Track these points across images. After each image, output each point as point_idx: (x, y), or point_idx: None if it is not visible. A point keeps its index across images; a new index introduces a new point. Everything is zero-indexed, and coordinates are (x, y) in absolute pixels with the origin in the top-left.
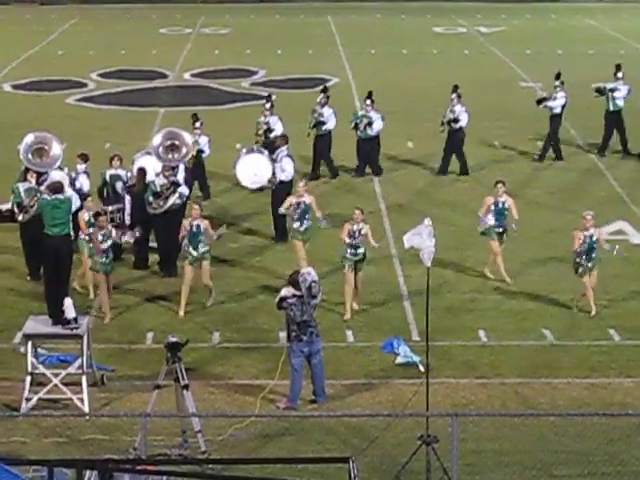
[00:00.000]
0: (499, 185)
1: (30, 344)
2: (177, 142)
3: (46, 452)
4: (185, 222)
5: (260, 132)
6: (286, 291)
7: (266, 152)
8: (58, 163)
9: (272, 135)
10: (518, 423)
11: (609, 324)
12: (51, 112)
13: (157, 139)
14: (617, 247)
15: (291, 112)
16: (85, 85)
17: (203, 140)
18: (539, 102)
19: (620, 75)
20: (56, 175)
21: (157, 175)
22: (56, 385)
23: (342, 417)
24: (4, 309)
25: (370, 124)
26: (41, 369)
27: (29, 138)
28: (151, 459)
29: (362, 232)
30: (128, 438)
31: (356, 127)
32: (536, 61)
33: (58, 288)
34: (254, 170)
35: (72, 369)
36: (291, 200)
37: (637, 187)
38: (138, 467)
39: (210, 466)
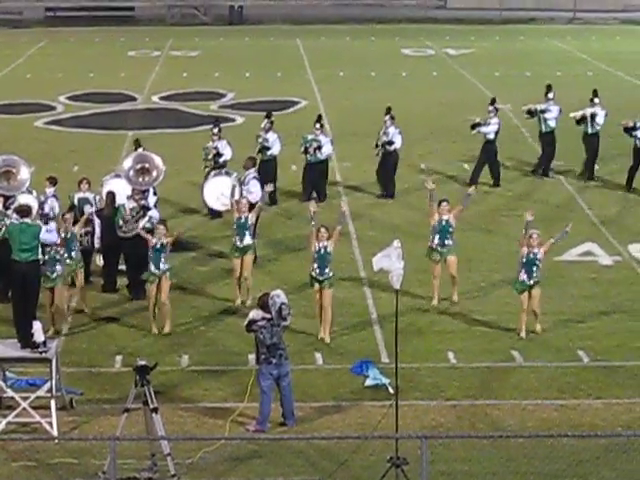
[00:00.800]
0: (443, 204)
1: None
2: (147, 165)
3: (14, 477)
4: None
5: (210, 157)
6: (255, 314)
7: (234, 175)
8: (25, 187)
9: (221, 160)
10: (487, 445)
11: (578, 345)
12: (20, 135)
13: (127, 162)
14: (567, 229)
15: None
16: (54, 108)
17: (222, 144)
18: (473, 127)
19: (551, 96)
20: (25, 199)
21: (128, 198)
22: (25, 409)
23: (311, 440)
24: None
25: (319, 148)
26: (9, 393)
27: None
28: None
29: (328, 250)
30: (97, 462)
31: (306, 151)
32: (505, 83)
33: (26, 312)
34: (221, 191)
35: (41, 392)
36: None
37: (608, 208)
38: None
39: None
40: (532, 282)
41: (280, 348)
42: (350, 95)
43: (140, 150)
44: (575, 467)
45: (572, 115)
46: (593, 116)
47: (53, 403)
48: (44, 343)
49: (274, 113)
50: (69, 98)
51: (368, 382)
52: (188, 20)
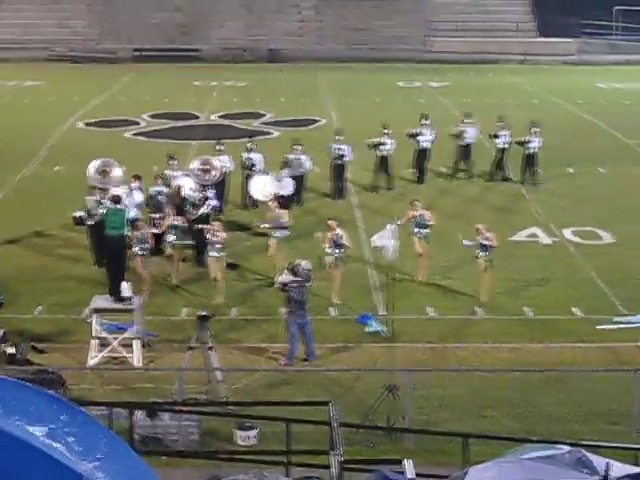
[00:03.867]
0: (416, 202)
1: (96, 316)
2: (209, 167)
3: (107, 396)
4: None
5: (246, 164)
6: (286, 277)
7: (272, 174)
8: (118, 181)
9: (257, 168)
10: (456, 376)
11: (525, 304)
12: (113, 143)
13: (194, 164)
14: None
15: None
16: (139, 123)
17: (224, 158)
18: (410, 136)
19: (425, 122)
20: (117, 190)
21: (193, 191)
22: (115, 346)
23: (326, 371)
24: (76, 290)
25: (300, 165)
26: (104, 334)
27: (96, 162)
28: (185, 402)
29: (341, 236)
30: (168, 386)
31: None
32: (474, 108)
33: (117, 274)
34: (263, 185)
35: (127, 334)
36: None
37: (547, 202)
38: (175, 408)
39: (229, 407)
40: (483, 260)
41: (305, 303)
42: (358, 115)
43: (207, 156)
44: (521, 393)
45: (410, 131)
46: (417, 134)
47: (135, 342)
48: (130, 298)
49: (301, 129)
50: (150, 116)
51: (369, 329)
52: (237, 59)
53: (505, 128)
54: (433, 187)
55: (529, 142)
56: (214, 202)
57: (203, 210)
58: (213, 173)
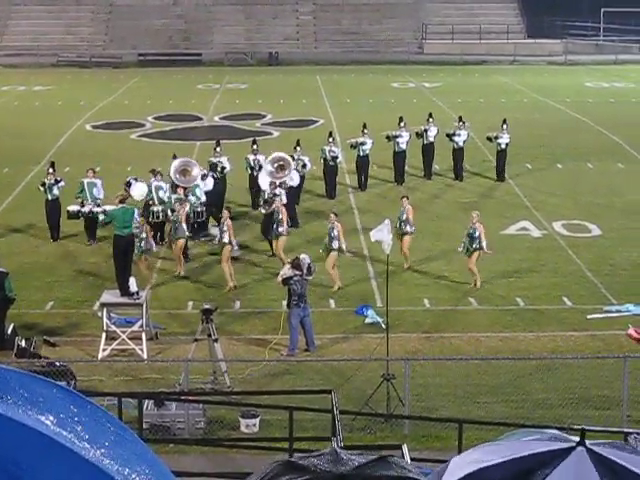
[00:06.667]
0: (404, 199)
1: (105, 310)
2: (283, 163)
3: (116, 387)
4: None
5: (252, 165)
6: (289, 271)
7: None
8: (195, 182)
9: (226, 171)
10: (451, 365)
11: (516, 294)
12: (119, 145)
13: (269, 163)
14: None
15: (290, 144)
16: (144, 125)
17: (224, 159)
18: (388, 138)
19: (402, 124)
20: (137, 189)
21: (267, 186)
22: (123, 339)
23: (326, 361)
24: (87, 286)
25: (304, 166)
26: (113, 328)
27: (177, 162)
28: (191, 392)
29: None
30: (175, 377)
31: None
32: (464, 107)
33: (125, 270)
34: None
35: (135, 328)
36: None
37: (537, 197)
38: (182, 397)
39: (233, 396)
40: (471, 248)
41: (305, 296)
42: (354, 115)
43: (280, 153)
44: (514, 381)
45: (388, 133)
46: (395, 137)
47: (144, 335)
48: (137, 293)
49: (299, 129)
50: (155, 118)
51: (367, 320)
52: (239, 62)
53: (464, 128)
54: (437, 184)
55: (498, 138)
56: (283, 199)
57: (275, 205)
58: (286, 172)
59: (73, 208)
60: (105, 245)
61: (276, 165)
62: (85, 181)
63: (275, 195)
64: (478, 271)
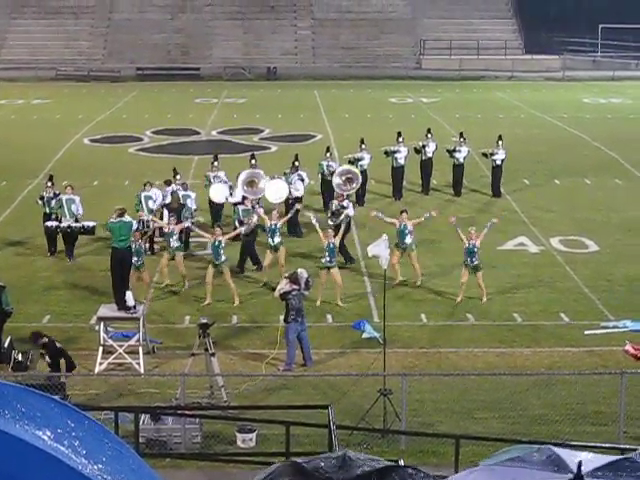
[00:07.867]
0: (403, 214)
1: (102, 324)
2: (351, 176)
3: (113, 401)
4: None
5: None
6: (287, 286)
7: (282, 178)
8: (261, 194)
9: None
10: (448, 380)
11: (513, 310)
12: (118, 158)
13: (336, 178)
14: (494, 220)
15: (288, 158)
16: (141, 139)
17: (222, 174)
18: (386, 153)
19: (400, 140)
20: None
21: (335, 199)
22: (120, 353)
23: (323, 376)
24: (83, 300)
25: (302, 180)
26: (110, 342)
27: (243, 174)
28: (188, 406)
29: (334, 244)
30: (172, 391)
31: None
32: (463, 123)
33: (122, 284)
34: (277, 189)
35: (132, 342)
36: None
37: (535, 213)
38: (179, 412)
39: (230, 411)
40: (473, 266)
41: (302, 310)
42: (352, 131)
43: (348, 167)
44: (511, 396)
45: (386, 149)
46: (394, 152)
47: (140, 349)
48: (134, 307)
49: (297, 144)
50: (153, 132)
51: (364, 335)
52: (237, 77)
53: (465, 144)
54: (436, 200)
55: (494, 154)
56: (350, 211)
57: (342, 218)
58: (354, 185)
59: (51, 224)
60: (103, 259)
61: (344, 178)
62: (64, 197)
63: (343, 207)
64: (478, 285)
